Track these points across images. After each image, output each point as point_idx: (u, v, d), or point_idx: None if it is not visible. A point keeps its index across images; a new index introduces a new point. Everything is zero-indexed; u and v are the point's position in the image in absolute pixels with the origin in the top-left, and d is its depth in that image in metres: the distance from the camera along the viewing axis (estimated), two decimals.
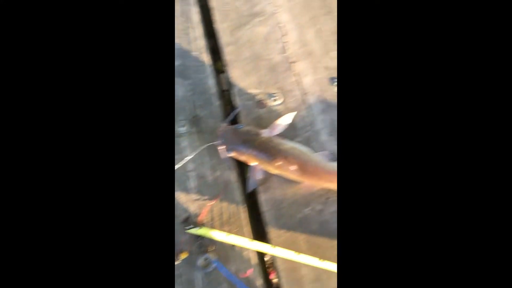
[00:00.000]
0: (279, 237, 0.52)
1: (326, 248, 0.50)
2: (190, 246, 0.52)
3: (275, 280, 0.52)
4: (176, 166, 0.55)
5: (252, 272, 0.50)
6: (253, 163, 0.52)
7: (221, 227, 0.52)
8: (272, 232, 0.52)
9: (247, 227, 0.53)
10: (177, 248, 0.52)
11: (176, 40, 0.63)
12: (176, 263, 0.52)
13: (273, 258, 0.51)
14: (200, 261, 0.51)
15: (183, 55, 0.63)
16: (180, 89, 0.60)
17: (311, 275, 0.50)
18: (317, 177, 0.49)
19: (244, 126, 0.53)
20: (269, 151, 0.50)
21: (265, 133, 0.52)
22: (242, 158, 0.52)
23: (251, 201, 0.56)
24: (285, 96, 0.58)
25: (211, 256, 0.51)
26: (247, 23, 0.62)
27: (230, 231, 0.51)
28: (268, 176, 0.53)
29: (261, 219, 0.54)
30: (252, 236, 0.52)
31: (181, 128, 0.58)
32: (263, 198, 0.54)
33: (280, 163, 0.49)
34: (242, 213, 0.53)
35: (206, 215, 0.53)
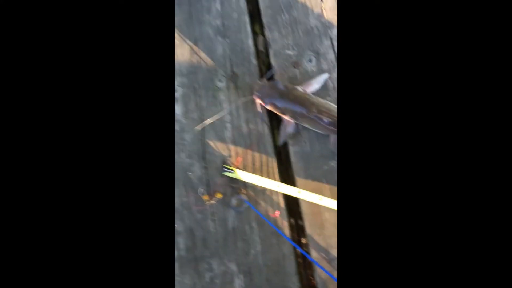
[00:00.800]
0: (305, 186, 0.57)
1: None
2: (224, 188, 0.58)
3: (300, 223, 0.58)
4: (215, 117, 0.61)
5: (279, 214, 0.56)
6: (287, 116, 0.57)
7: (253, 173, 0.58)
8: (299, 181, 0.58)
9: (276, 176, 0.58)
10: (212, 189, 0.59)
11: (218, 0, 0.67)
12: (211, 202, 0.58)
13: (299, 202, 0.57)
14: (233, 201, 0.58)
15: (224, 15, 0.66)
16: (219, 47, 0.65)
17: (333, 219, 0.55)
18: None
19: (281, 82, 0.58)
20: (304, 104, 0.54)
21: (301, 89, 0.57)
22: (278, 111, 0.57)
23: (282, 152, 0.62)
24: (319, 58, 0.62)
25: (243, 197, 0.57)
26: None
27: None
28: (299, 130, 0.59)
29: (290, 170, 0.59)
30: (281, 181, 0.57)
31: (219, 83, 0.63)
32: (293, 151, 0.59)
33: (314, 115, 0.54)
34: (273, 163, 0.59)
35: (240, 162, 0.59)
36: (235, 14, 0.67)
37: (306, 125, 0.57)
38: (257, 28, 0.69)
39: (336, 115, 0.54)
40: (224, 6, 0.67)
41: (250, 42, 0.65)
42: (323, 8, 0.64)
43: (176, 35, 0.65)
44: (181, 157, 0.60)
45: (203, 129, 0.61)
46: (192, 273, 0.56)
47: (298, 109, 0.55)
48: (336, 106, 0.56)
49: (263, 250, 0.56)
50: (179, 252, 0.57)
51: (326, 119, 0.54)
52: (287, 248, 0.55)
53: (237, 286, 0.55)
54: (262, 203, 0.58)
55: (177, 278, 0.56)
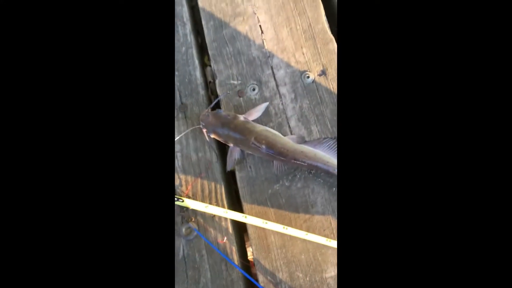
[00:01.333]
0: (251, 209, 0.59)
1: (292, 219, 0.57)
2: (175, 217, 0.59)
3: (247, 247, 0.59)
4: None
5: (226, 239, 0.57)
6: (230, 144, 0.59)
7: (202, 201, 0.60)
8: (246, 205, 0.59)
9: (225, 201, 0.60)
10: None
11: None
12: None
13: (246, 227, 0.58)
14: (183, 230, 0.59)
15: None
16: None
17: (278, 242, 0.57)
18: (283, 157, 0.56)
19: (224, 111, 0.60)
20: (243, 132, 0.57)
21: (242, 118, 0.59)
22: (221, 138, 0.60)
23: (229, 178, 0.64)
24: (261, 87, 0.65)
25: (192, 225, 0.59)
26: (230, 22, 0.70)
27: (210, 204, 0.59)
28: (244, 156, 0.61)
29: (237, 195, 0.61)
30: (229, 209, 0.59)
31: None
32: (239, 176, 0.61)
33: (252, 143, 0.56)
34: (222, 189, 0.61)
35: (189, 190, 0.61)
36: (183, 48, 0.70)
37: (249, 152, 0.59)
38: (206, 60, 0.72)
39: (274, 142, 0.56)
40: (174, 40, 0.71)
41: (198, 74, 0.68)
42: (263, 39, 0.67)
43: None
44: None
45: None
46: None
47: (239, 136, 0.57)
48: (275, 133, 0.58)
49: (212, 278, 0.57)
50: None
51: (264, 147, 0.56)
52: (236, 274, 0.56)
53: None
54: (212, 230, 0.59)
55: None
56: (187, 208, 0.59)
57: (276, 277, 0.55)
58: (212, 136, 0.60)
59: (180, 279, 0.57)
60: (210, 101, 0.67)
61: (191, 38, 0.71)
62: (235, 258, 0.57)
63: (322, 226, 0.56)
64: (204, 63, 0.72)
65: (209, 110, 0.61)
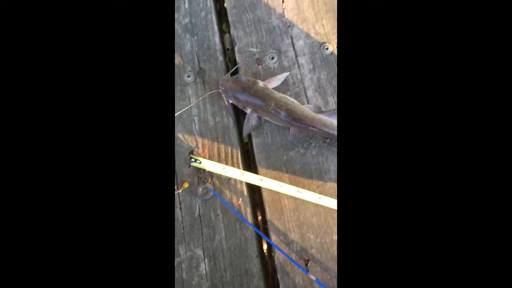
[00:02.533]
0: (266, 174, 0.61)
1: (305, 184, 0.60)
2: (191, 178, 0.61)
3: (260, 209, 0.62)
4: (181, 111, 0.64)
5: (242, 201, 0.60)
6: (248, 109, 0.61)
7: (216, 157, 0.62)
8: (261, 170, 0.62)
9: (241, 165, 0.62)
10: (180, 179, 0.62)
11: (187, 1, 0.70)
12: (179, 191, 0.61)
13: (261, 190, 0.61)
14: (200, 190, 0.61)
15: (193, 14, 0.70)
16: (188, 44, 0.68)
17: (291, 205, 0.59)
18: (301, 124, 0.58)
19: (244, 77, 0.61)
20: (263, 98, 0.58)
21: (261, 84, 0.60)
22: (240, 104, 0.61)
23: (245, 143, 0.65)
24: (280, 56, 0.66)
25: (209, 186, 0.61)
26: None
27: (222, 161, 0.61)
28: (261, 123, 0.62)
29: (253, 160, 0.63)
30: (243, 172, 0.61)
31: (187, 78, 0.66)
32: (255, 142, 0.63)
33: (271, 108, 0.58)
34: (238, 154, 0.63)
35: (206, 153, 0.63)
36: (203, 13, 0.70)
37: (267, 118, 0.61)
38: (224, 27, 0.72)
39: (293, 109, 0.58)
40: (192, 5, 0.70)
41: (217, 39, 0.68)
42: (284, 8, 0.68)
43: None
44: None
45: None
46: None
47: (258, 102, 0.59)
48: (293, 100, 0.60)
49: (227, 236, 0.60)
50: None
51: (283, 113, 0.58)
52: (249, 233, 0.59)
53: (202, 270, 0.58)
54: (227, 192, 0.61)
55: None
56: (203, 170, 0.61)
57: (288, 237, 0.58)
58: (231, 101, 0.61)
59: (195, 236, 0.60)
60: (228, 68, 0.68)
61: (210, 3, 0.70)
62: (249, 218, 0.60)
63: (334, 192, 0.59)
64: (222, 30, 0.72)
65: (229, 75, 0.62)
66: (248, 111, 0.61)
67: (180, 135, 0.64)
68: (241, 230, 0.60)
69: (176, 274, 0.58)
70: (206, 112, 0.65)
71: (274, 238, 0.59)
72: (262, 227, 0.62)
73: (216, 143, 0.63)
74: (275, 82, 0.62)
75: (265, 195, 0.60)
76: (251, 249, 0.59)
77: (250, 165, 0.65)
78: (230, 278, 0.58)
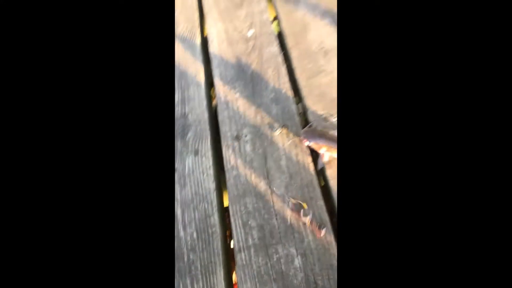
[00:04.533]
0: None
1: None
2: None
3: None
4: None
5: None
6: (322, 149, 0.88)
7: (301, 189, 0.86)
8: (334, 192, 0.85)
9: (318, 189, 0.86)
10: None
11: (271, 83, 1.05)
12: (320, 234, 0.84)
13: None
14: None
15: (276, 91, 1.03)
16: (274, 110, 1.00)
17: None
18: None
19: (318, 127, 0.90)
20: (335, 139, 0.86)
21: (332, 131, 0.89)
22: (316, 146, 0.88)
23: (319, 174, 0.90)
24: None
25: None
26: (316, 75, 1.04)
27: (306, 192, 0.85)
28: (331, 159, 0.88)
29: (327, 186, 0.87)
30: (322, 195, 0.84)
31: (275, 131, 0.96)
32: (328, 172, 0.88)
33: None
34: (316, 181, 0.87)
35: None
36: (284, 90, 1.04)
37: (336, 155, 0.87)
38: (296, 100, 1.05)
39: None
40: (276, 85, 1.05)
41: (294, 107, 1.00)
42: None
43: (245, 102, 1.01)
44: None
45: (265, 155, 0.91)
46: (264, 256, 0.78)
47: (331, 143, 0.86)
48: None
49: (313, 239, 0.80)
50: (254, 241, 0.80)
51: None
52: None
53: (296, 264, 0.77)
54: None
55: (253, 259, 0.78)
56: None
57: None
58: (311, 144, 0.89)
59: (289, 238, 0.80)
60: (302, 125, 0.97)
61: (288, 84, 1.05)
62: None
63: None
64: (296, 102, 1.05)
65: (308, 127, 0.92)
66: (322, 150, 0.88)
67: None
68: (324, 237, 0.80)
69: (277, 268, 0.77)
70: (290, 154, 0.92)
71: None
72: None
73: (299, 175, 0.89)
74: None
75: None
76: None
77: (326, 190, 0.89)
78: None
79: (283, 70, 1.08)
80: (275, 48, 1.15)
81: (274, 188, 0.86)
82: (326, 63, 1.06)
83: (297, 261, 0.77)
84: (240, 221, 0.83)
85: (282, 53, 1.13)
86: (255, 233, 0.81)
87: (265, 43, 1.16)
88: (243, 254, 0.79)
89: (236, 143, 0.96)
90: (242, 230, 0.82)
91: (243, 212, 0.84)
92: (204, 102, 1.07)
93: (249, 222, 0.83)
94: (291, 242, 0.80)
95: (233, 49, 1.18)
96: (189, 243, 0.82)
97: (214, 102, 1.11)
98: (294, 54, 1.11)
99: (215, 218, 0.85)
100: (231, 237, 0.84)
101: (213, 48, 1.20)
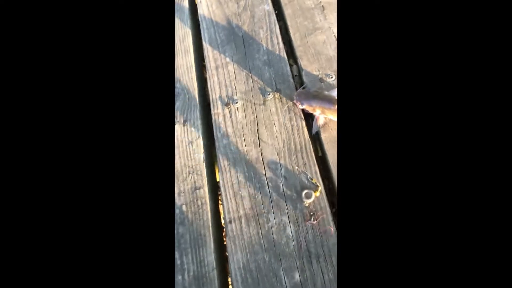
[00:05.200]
0: (334, 159, 0.78)
1: None
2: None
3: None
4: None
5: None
6: (317, 112, 0.81)
7: (295, 154, 0.80)
8: (330, 156, 0.79)
9: (313, 155, 0.80)
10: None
11: (264, 45, 0.97)
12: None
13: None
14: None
15: (269, 52, 0.96)
16: (267, 72, 0.93)
17: None
18: None
19: (312, 88, 0.83)
20: (330, 100, 0.79)
21: (326, 92, 0.82)
22: (310, 108, 0.82)
23: (315, 138, 0.84)
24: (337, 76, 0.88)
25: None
26: (311, 34, 0.95)
27: (299, 158, 0.79)
28: (326, 121, 0.82)
29: (323, 150, 0.81)
30: (316, 161, 0.79)
31: (268, 96, 0.89)
32: (324, 136, 0.81)
33: (336, 107, 0.78)
34: (309, 146, 0.81)
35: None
36: (277, 51, 0.96)
37: (332, 117, 0.80)
38: (291, 61, 0.97)
39: None
40: (269, 47, 0.97)
41: (288, 69, 0.93)
42: (337, 43, 0.92)
43: (236, 67, 0.95)
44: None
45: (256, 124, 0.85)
46: (255, 225, 0.75)
47: (326, 104, 0.79)
48: None
49: (306, 206, 0.75)
50: (245, 211, 0.77)
51: None
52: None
53: (288, 233, 0.73)
54: None
55: (243, 229, 0.75)
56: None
57: None
58: (304, 107, 0.82)
59: (282, 206, 0.76)
60: (296, 88, 0.90)
61: (282, 44, 0.97)
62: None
63: None
64: (290, 64, 0.97)
65: (301, 89, 0.85)
66: (317, 113, 0.81)
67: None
68: None
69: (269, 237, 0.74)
70: (285, 118, 0.86)
71: None
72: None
73: (292, 139, 0.83)
74: (335, 92, 0.83)
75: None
76: None
77: (321, 154, 0.83)
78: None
79: (277, 29, 1.00)
80: (268, 6, 1.06)
81: (266, 155, 0.81)
82: (323, 20, 0.97)
83: (289, 229, 0.73)
84: (231, 191, 0.80)
85: (275, 12, 1.04)
86: (246, 203, 0.77)
87: (257, 2, 1.07)
88: (233, 224, 0.76)
89: (226, 110, 0.90)
90: (233, 201, 0.78)
91: (234, 182, 0.80)
92: (192, 69, 1.01)
93: (240, 192, 0.79)
94: (284, 211, 0.76)
95: (223, 10, 1.09)
96: (178, 216, 0.79)
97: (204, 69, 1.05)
98: (288, 12, 1.02)
99: (205, 190, 0.81)
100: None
101: (201, 10, 1.12)
